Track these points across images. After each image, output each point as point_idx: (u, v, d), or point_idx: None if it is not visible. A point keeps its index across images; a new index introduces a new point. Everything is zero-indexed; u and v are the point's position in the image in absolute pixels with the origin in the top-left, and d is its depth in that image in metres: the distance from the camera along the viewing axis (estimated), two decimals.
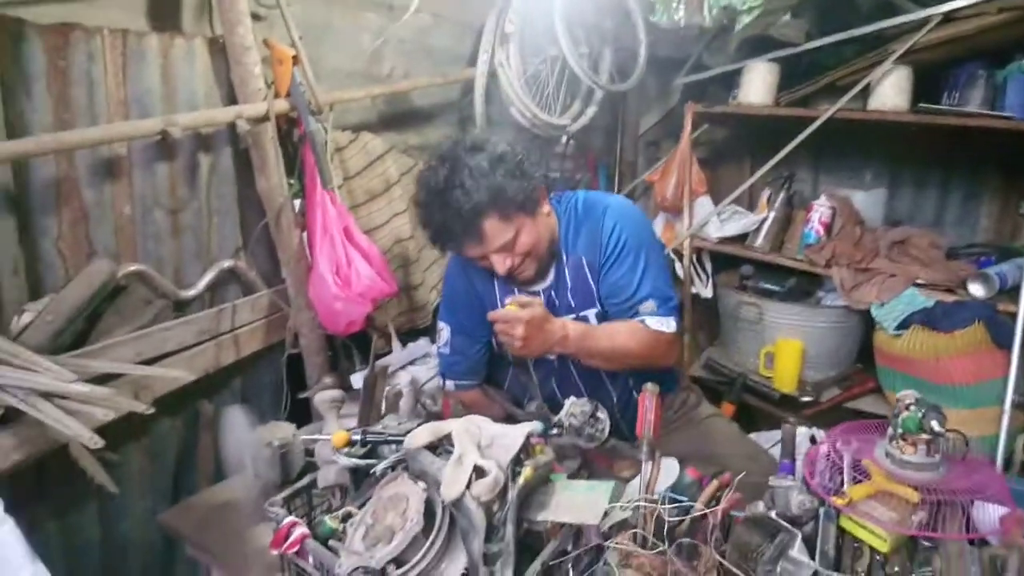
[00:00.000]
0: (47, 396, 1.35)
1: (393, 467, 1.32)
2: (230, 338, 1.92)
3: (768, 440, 2.40)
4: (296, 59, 1.81)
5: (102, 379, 1.54)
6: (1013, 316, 2.24)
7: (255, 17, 1.77)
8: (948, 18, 2.39)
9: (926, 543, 1.34)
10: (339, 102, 2.00)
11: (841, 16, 2.83)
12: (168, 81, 1.67)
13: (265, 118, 1.78)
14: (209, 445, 1.94)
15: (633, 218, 1.73)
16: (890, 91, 2.52)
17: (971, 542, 1.30)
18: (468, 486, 1.15)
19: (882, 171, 3.19)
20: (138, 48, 1.60)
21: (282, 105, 1.83)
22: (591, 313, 1.73)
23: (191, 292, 1.82)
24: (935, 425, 1.35)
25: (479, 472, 1.17)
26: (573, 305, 1.74)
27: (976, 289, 2.42)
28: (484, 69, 2.39)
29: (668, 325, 1.65)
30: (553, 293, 1.75)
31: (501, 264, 1.61)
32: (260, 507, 1.55)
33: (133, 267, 1.68)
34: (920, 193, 3.17)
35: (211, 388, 1.96)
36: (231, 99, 1.82)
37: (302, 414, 2.04)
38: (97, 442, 1.32)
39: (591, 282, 1.72)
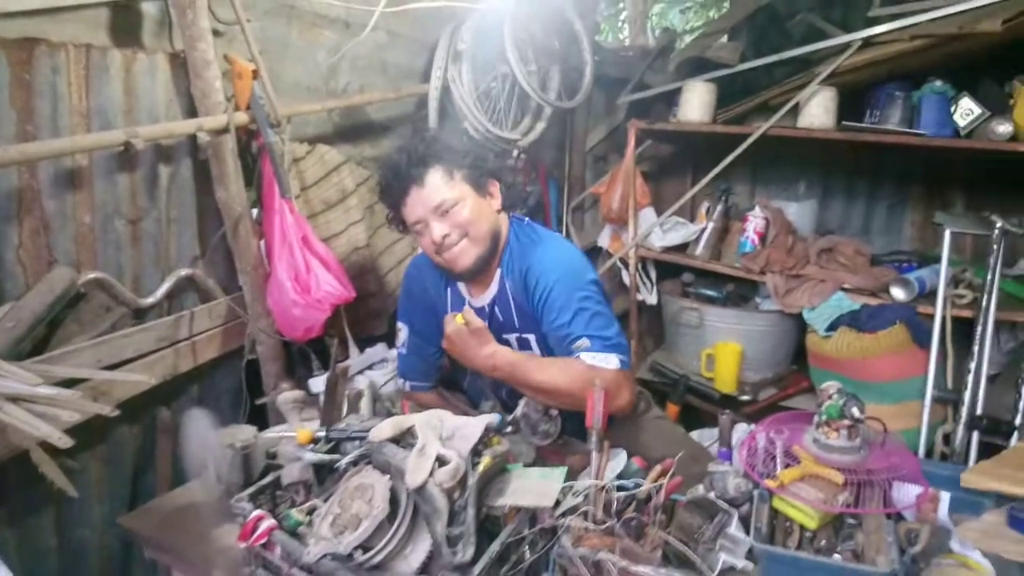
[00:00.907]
0: (13, 400, 1.37)
1: (357, 461, 1.39)
2: (188, 345, 1.94)
3: (710, 437, 2.53)
4: (256, 73, 1.87)
5: (63, 385, 1.56)
6: (931, 317, 2.43)
7: (215, 33, 1.82)
8: (868, 43, 2.59)
9: (850, 520, 1.47)
10: (297, 114, 2.07)
11: (773, 40, 3.04)
12: (130, 94, 1.71)
13: (225, 130, 1.83)
14: (167, 451, 1.96)
15: (558, 270, 1.70)
16: (817, 110, 2.71)
17: (888, 517, 1.43)
18: (431, 474, 1.23)
19: (814, 183, 3.40)
20: (102, 63, 1.64)
21: (242, 117, 1.88)
22: (532, 338, 1.80)
23: (150, 300, 1.84)
24: (855, 412, 1.49)
25: (441, 461, 1.25)
26: (517, 325, 1.80)
27: (897, 293, 2.61)
28: (438, 84, 2.48)
29: (607, 361, 1.60)
30: (497, 308, 1.81)
31: (438, 230, 1.66)
32: (222, 508, 1.60)
33: (93, 275, 1.70)
34: (849, 204, 3.39)
35: (169, 395, 1.97)
36: (191, 111, 1.86)
37: (259, 420, 2.07)
38: (67, 442, 1.34)
39: (514, 315, 1.79)
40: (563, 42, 2.92)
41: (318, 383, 1.99)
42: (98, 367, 1.68)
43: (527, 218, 1.89)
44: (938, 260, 2.48)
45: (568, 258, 1.76)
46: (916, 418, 2.42)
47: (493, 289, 1.81)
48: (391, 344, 2.23)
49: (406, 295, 1.96)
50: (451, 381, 2.09)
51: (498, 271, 1.80)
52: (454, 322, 1.66)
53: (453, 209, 1.66)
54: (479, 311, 1.81)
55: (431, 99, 2.50)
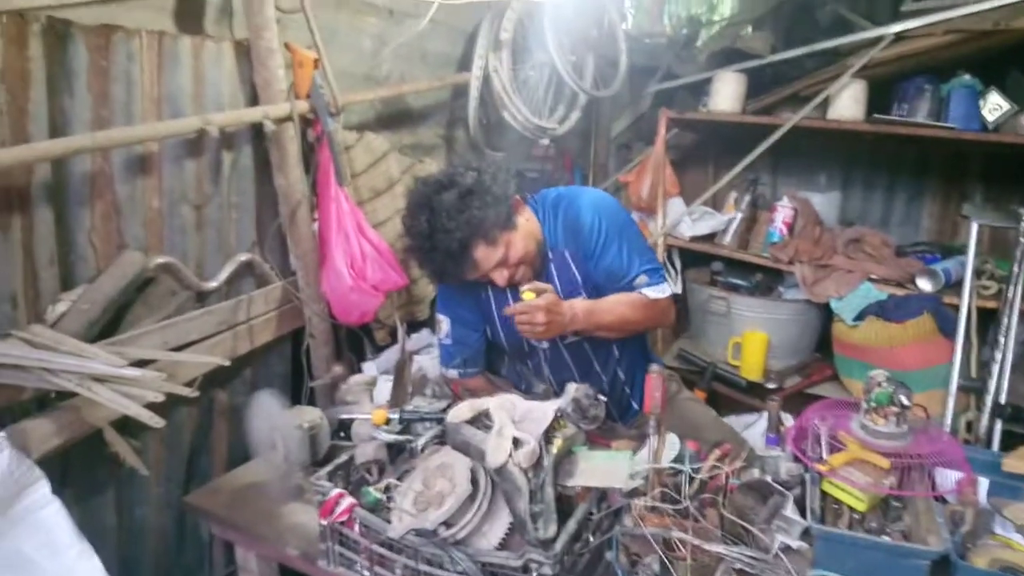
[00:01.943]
0: (99, 380, 1.42)
1: (429, 442, 1.44)
2: (245, 328, 1.99)
3: (738, 425, 2.59)
4: (317, 62, 1.90)
5: (133, 366, 1.61)
6: (957, 308, 2.48)
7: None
8: (900, 37, 2.63)
9: (896, 503, 1.54)
10: (353, 103, 2.10)
11: (803, 31, 3.07)
12: (199, 82, 1.75)
13: (288, 118, 1.87)
14: (224, 433, 2.01)
15: (608, 207, 1.85)
16: (847, 102, 2.75)
17: (938, 499, 1.49)
18: (510, 455, 1.28)
19: (835, 175, 3.45)
20: (173, 49, 1.67)
21: (303, 106, 1.92)
22: (578, 300, 1.84)
23: (212, 284, 1.89)
24: (904, 399, 1.54)
25: (517, 443, 1.31)
26: (563, 294, 1.84)
27: (924, 284, 2.67)
28: (479, 73, 2.51)
29: (663, 291, 1.83)
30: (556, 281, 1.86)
31: (501, 278, 1.74)
32: (289, 486, 1.66)
33: (161, 259, 1.74)
34: (868, 195, 3.44)
35: (225, 378, 2.02)
36: (252, 99, 1.90)
37: (308, 403, 2.13)
38: (158, 421, 1.39)
39: (576, 272, 1.84)
40: (598, 31, 2.94)
41: (372, 366, 2.05)
42: (164, 349, 1.72)
43: (542, 190, 1.95)
44: (958, 251, 2.54)
45: (607, 199, 1.91)
46: (941, 405, 2.48)
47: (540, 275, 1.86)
48: (434, 330, 2.27)
49: (444, 287, 1.98)
50: (489, 367, 2.14)
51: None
52: (529, 301, 1.67)
53: (507, 260, 1.73)
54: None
55: (472, 88, 2.53)
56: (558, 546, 1.22)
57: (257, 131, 1.90)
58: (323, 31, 2.13)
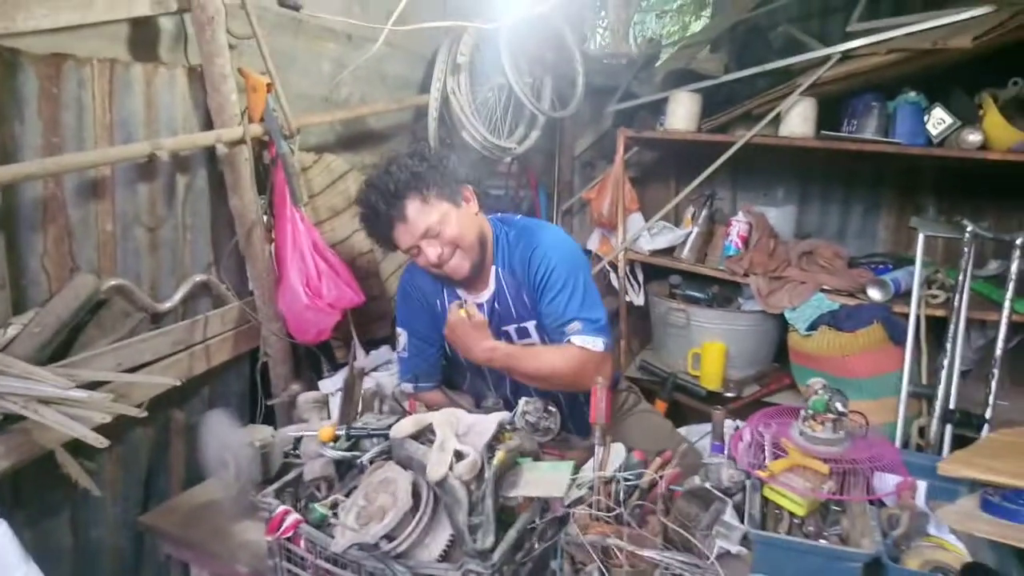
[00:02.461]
0: (46, 403, 1.43)
1: (377, 457, 1.47)
2: (202, 349, 2.01)
3: (698, 432, 2.63)
4: (270, 86, 1.94)
5: (86, 388, 1.62)
6: (906, 316, 2.56)
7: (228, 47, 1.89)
8: (846, 56, 2.72)
9: (835, 507, 1.59)
10: (308, 126, 2.15)
11: (755, 51, 3.16)
12: (151, 107, 1.78)
13: (241, 141, 1.90)
14: (181, 452, 2.02)
15: (563, 252, 1.87)
16: (797, 119, 2.83)
17: (871, 503, 1.54)
18: (451, 468, 1.31)
19: (792, 189, 3.54)
20: (125, 76, 1.70)
21: (256, 129, 1.95)
22: (531, 325, 1.92)
23: (167, 305, 1.90)
24: (839, 406, 1.60)
25: (459, 456, 1.34)
26: (515, 315, 1.92)
27: (874, 293, 2.74)
28: (437, 95, 2.57)
29: (594, 344, 1.79)
30: (497, 303, 1.92)
31: (432, 252, 1.79)
32: (242, 504, 1.67)
33: (114, 281, 1.76)
34: (826, 208, 3.53)
35: (182, 398, 2.03)
36: (207, 124, 1.93)
37: (267, 421, 2.14)
38: (103, 442, 1.41)
39: (526, 300, 1.90)
40: (555, 53, 3.01)
41: (328, 384, 2.07)
42: (118, 370, 1.74)
43: (511, 215, 2.02)
44: (911, 262, 2.62)
45: (568, 242, 1.95)
46: (893, 412, 2.55)
47: (491, 286, 1.92)
48: (394, 346, 2.31)
49: (403, 301, 2.04)
50: (450, 382, 2.18)
51: (493, 268, 1.91)
52: (458, 312, 1.79)
53: (440, 230, 1.78)
54: (480, 308, 1.91)
55: (431, 110, 2.58)
56: (496, 556, 1.25)
57: (211, 154, 1.94)
58: (281, 56, 2.18)
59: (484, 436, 1.41)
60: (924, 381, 2.58)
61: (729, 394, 3.03)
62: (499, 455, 1.39)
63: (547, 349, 1.86)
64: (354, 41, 2.38)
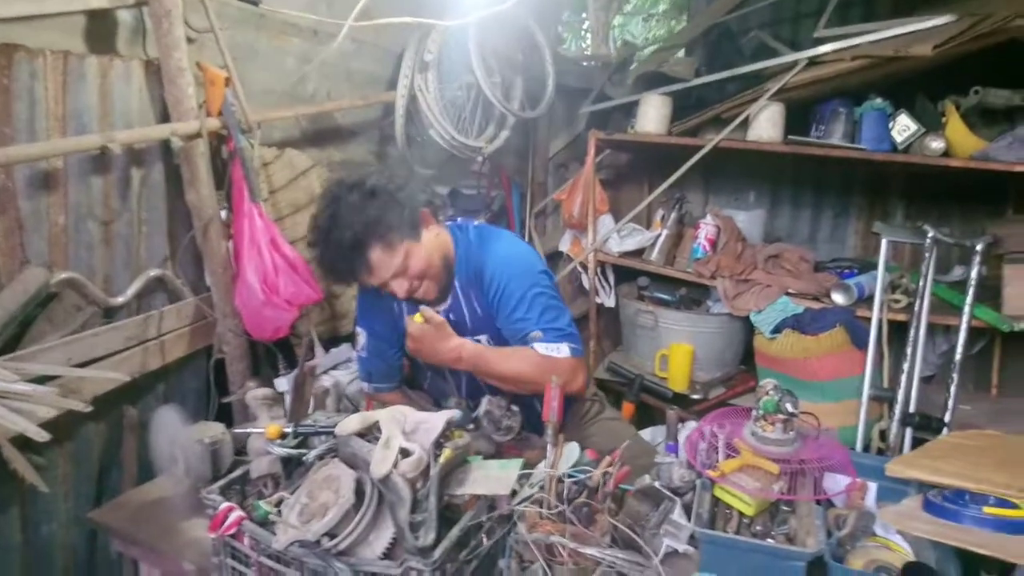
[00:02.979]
0: None
1: (324, 455, 1.46)
2: (156, 344, 1.99)
3: (661, 435, 2.66)
4: (228, 80, 1.93)
5: (35, 382, 1.60)
6: (869, 320, 2.58)
7: (188, 40, 1.88)
8: (813, 62, 2.74)
9: (785, 507, 1.60)
10: (267, 121, 2.13)
11: (726, 56, 3.18)
12: (106, 99, 1.76)
13: (197, 135, 1.89)
14: (134, 448, 2.00)
15: (514, 264, 1.83)
16: (766, 124, 2.85)
17: (819, 503, 1.55)
18: (395, 465, 1.31)
19: (764, 193, 3.57)
20: (79, 69, 1.69)
21: (213, 123, 1.94)
22: (483, 338, 1.90)
23: (120, 299, 1.89)
24: (789, 407, 1.61)
25: (404, 453, 1.34)
26: (470, 327, 1.90)
27: (838, 297, 2.76)
28: (404, 92, 2.56)
29: (558, 350, 1.77)
30: (452, 315, 1.90)
31: (400, 289, 1.76)
32: (191, 501, 1.66)
33: (65, 275, 1.74)
34: (797, 213, 3.57)
35: (136, 393, 2.01)
36: (164, 117, 1.92)
37: (224, 418, 2.12)
38: (44, 436, 1.39)
39: (479, 311, 1.89)
40: (526, 53, 3.02)
41: (284, 382, 2.06)
42: (69, 365, 1.72)
43: (468, 221, 2.00)
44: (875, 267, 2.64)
45: (519, 253, 1.89)
46: (855, 415, 2.57)
47: (448, 300, 1.90)
48: (354, 345, 2.30)
49: (363, 302, 2.03)
50: (412, 382, 2.17)
51: (454, 282, 1.89)
52: (415, 322, 1.74)
53: (406, 267, 1.74)
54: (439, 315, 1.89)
55: (398, 107, 2.57)
56: (437, 553, 1.25)
57: (168, 148, 1.92)
58: (243, 50, 2.17)
59: (431, 434, 1.41)
60: (886, 385, 2.60)
61: (696, 396, 3.05)
62: (445, 453, 1.39)
63: (515, 351, 1.81)
64: (319, 37, 2.37)
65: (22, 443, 1.62)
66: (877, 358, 2.59)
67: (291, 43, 2.34)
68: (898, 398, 2.46)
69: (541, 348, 1.77)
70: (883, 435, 2.57)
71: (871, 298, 2.63)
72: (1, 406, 1.40)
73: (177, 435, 1.66)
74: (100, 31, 1.79)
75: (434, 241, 1.82)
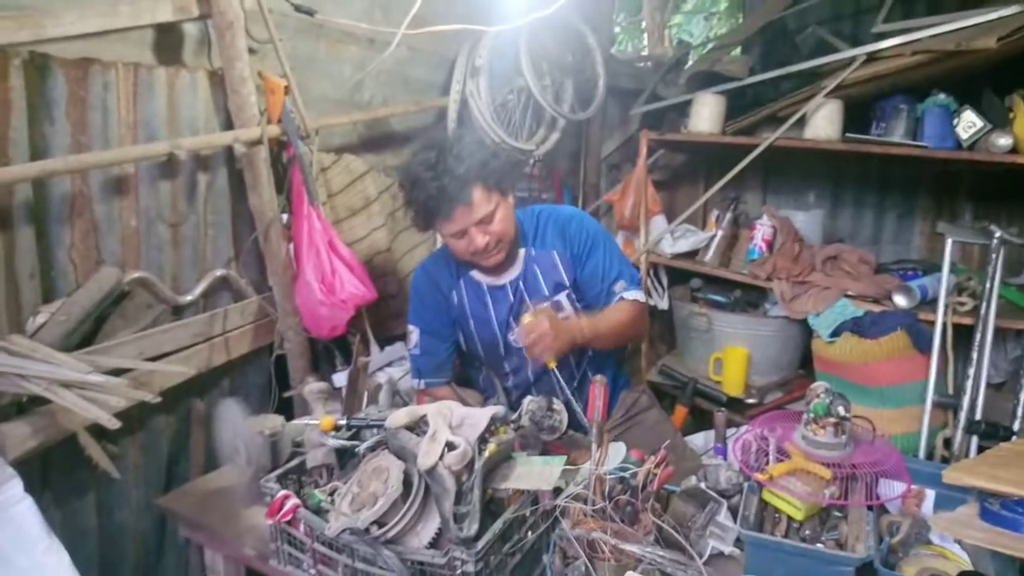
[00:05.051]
0: (66, 386, 1.52)
1: (375, 447, 1.52)
2: (221, 340, 2.09)
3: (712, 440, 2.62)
4: (287, 89, 2.01)
5: (109, 375, 1.70)
6: (932, 324, 2.50)
7: (249, 51, 1.97)
8: (872, 58, 2.67)
9: (837, 512, 1.57)
10: (325, 127, 2.21)
11: (782, 53, 3.13)
12: (173, 108, 1.87)
13: (259, 141, 1.98)
14: (200, 439, 2.10)
15: (588, 217, 2.06)
16: (823, 122, 2.80)
17: (870, 509, 1.52)
18: (441, 458, 1.35)
19: (824, 193, 3.49)
20: (148, 79, 1.79)
21: (274, 130, 2.03)
22: (563, 296, 1.98)
23: (187, 298, 1.99)
24: (841, 410, 1.58)
25: (450, 446, 1.38)
26: (545, 292, 1.97)
27: (900, 300, 2.68)
28: (456, 98, 2.62)
29: (641, 295, 1.98)
30: (522, 284, 1.97)
31: (479, 238, 1.81)
32: (252, 490, 1.73)
33: (137, 274, 1.85)
34: (859, 213, 3.47)
35: (203, 387, 2.12)
36: (227, 124, 2.02)
37: (286, 412, 2.21)
38: (116, 424, 1.49)
39: (563, 271, 1.96)
40: (577, 55, 3.04)
41: (341, 378, 2.13)
42: (140, 359, 1.82)
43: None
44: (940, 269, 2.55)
45: (585, 213, 2.11)
46: (917, 422, 2.49)
47: (517, 269, 1.97)
48: (407, 343, 2.35)
49: (416, 299, 2.07)
50: (465, 379, 2.21)
51: (521, 251, 1.97)
52: (530, 319, 1.78)
53: (492, 220, 1.81)
54: (501, 290, 1.96)
55: (450, 112, 2.63)
56: (480, 544, 1.28)
57: (231, 154, 2.02)
58: (302, 59, 2.26)
59: (477, 429, 1.44)
60: (950, 391, 2.51)
61: (751, 400, 3.01)
62: (490, 447, 1.42)
63: (612, 311, 1.93)
64: (376, 45, 2.45)
65: (97, 433, 1.73)
66: (941, 363, 2.50)
67: (348, 51, 2.42)
68: (963, 405, 2.37)
69: (628, 295, 1.95)
70: (947, 443, 2.48)
71: (935, 301, 2.55)
72: (77, 396, 1.50)
73: (239, 427, 1.74)
74: (168, 43, 1.90)
75: (513, 213, 1.91)
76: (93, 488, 1.91)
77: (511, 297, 1.97)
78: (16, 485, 1.46)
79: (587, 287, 1.97)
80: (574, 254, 1.96)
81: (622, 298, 1.94)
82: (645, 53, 5.57)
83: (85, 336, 1.76)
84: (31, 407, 1.64)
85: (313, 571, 1.48)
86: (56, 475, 1.80)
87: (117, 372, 1.69)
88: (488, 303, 1.98)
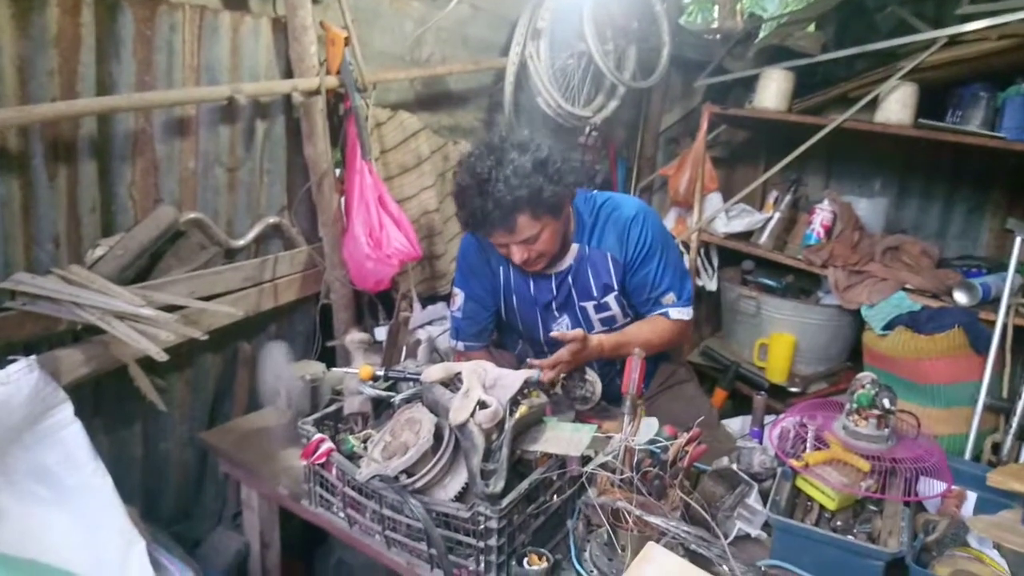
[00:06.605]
0: (120, 317, 1.58)
1: (410, 399, 1.54)
2: (270, 286, 2.13)
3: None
4: (347, 40, 2.02)
5: (162, 310, 1.76)
6: (993, 324, 2.40)
7: (313, 1, 1.97)
8: (953, 41, 2.54)
9: (872, 506, 1.54)
10: (382, 81, 2.21)
11: (857, 31, 2.99)
12: (235, 53, 1.89)
13: (317, 92, 2.00)
14: (245, 380, 2.16)
15: (654, 221, 1.93)
16: (895, 106, 2.68)
17: (907, 505, 1.48)
18: (472, 414, 1.36)
19: (891, 181, 3.35)
20: (213, 23, 1.82)
21: (332, 81, 2.04)
22: (611, 297, 1.93)
23: (240, 242, 2.04)
24: (886, 402, 1.54)
25: (482, 404, 1.38)
26: (594, 293, 1.93)
27: (960, 297, 2.58)
28: (515, 59, 2.58)
29: (686, 314, 1.92)
30: (570, 278, 1.92)
31: (519, 254, 1.79)
32: (290, 432, 1.79)
33: (193, 215, 1.90)
34: (926, 205, 3.32)
35: (250, 330, 2.17)
36: (287, 73, 2.03)
37: (328, 361, 2.26)
38: (163, 356, 1.54)
39: (613, 274, 1.91)
40: (643, 22, 2.96)
41: (382, 331, 2.16)
42: (191, 298, 1.88)
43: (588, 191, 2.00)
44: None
45: (655, 214, 1.99)
46: (966, 424, 2.42)
47: (568, 261, 1.92)
48: (449, 304, 2.37)
49: (464, 264, 2.06)
50: (499, 344, 2.22)
51: (574, 247, 1.91)
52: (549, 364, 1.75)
53: (536, 240, 1.77)
54: (546, 280, 1.93)
55: (508, 74, 2.60)
56: (504, 502, 1.29)
57: (290, 103, 2.04)
58: (366, 12, 2.26)
59: (509, 390, 1.45)
60: (1004, 395, 2.42)
61: (794, 389, 2.95)
62: (521, 409, 1.43)
63: (644, 329, 1.90)
64: (438, 1, 2.43)
65: (147, 366, 1.80)
66: (998, 365, 2.41)
67: (410, 6, 2.41)
68: (1017, 410, 2.29)
69: (674, 313, 1.90)
70: (996, 448, 2.40)
71: (997, 300, 2.44)
72: (130, 327, 1.55)
73: (282, 371, 1.79)
74: None
75: (565, 223, 1.86)
76: (140, 419, 1.99)
77: (554, 290, 1.93)
78: (67, 408, 1.53)
79: (634, 294, 1.93)
80: (628, 260, 1.89)
81: (666, 313, 1.89)
82: (715, 26, 5.41)
83: (140, 271, 1.83)
84: (85, 336, 1.72)
85: (342, 514, 1.52)
86: (106, 404, 1.88)
87: (169, 308, 1.75)
88: (530, 286, 1.96)
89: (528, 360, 1.80)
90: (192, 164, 1.89)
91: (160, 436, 2.06)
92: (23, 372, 1.42)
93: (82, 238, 1.74)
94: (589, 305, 1.94)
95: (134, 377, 1.79)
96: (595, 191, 2.00)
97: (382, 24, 2.35)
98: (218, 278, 1.98)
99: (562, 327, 1.94)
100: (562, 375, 1.80)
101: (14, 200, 1.58)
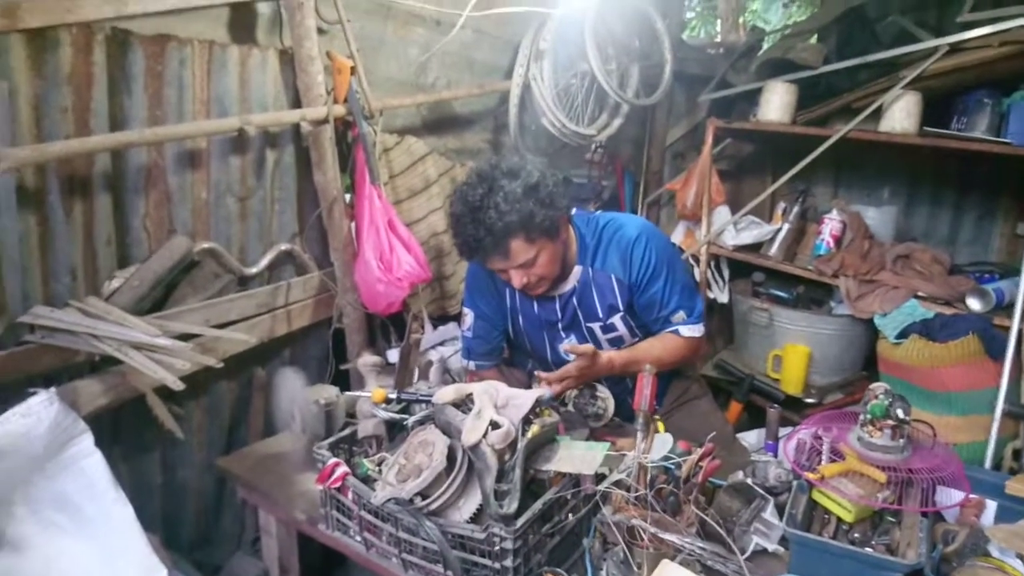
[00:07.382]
0: (137, 347, 1.60)
1: (423, 421, 1.55)
2: (284, 312, 2.16)
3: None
4: (353, 69, 2.06)
5: (177, 339, 1.79)
6: (1007, 330, 2.38)
7: (319, 31, 2.01)
8: (956, 48, 2.54)
9: (890, 517, 1.53)
10: (389, 108, 2.25)
11: (859, 42, 3.00)
12: (244, 85, 1.93)
13: (325, 120, 2.03)
14: (260, 406, 2.19)
15: (658, 241, 1.91)
16: (899, 115, 2.68)
17: (925, 516, 1.47)
18: (485, 435, 1.37)
19: (899, 189, 3.34)
20: (221, 57, 1.86)
21: (339, 109, 2.07)
22: (617, 318, 1.93)
23: (253, 269, 2.07)
24: (900, 412, 1.53)
25: (494, 425, 1.39)
26: (600, 314, 1.93)
27: (973, 303, 2.56)
28: (519, 81, 2.61)
29: (698, 331, 1.91)
30: (575, 300, 1.93)
31: (518, 279, 1.80)
32: (306, 457, 1.80)
33: (206, 244, 1.93)
34: (935, 212, 3.31)
35: (264, 356, 2.20)
36: (296, 103, 2.07)
37: (342, 384, 2.27)
38: (180, 385, 1.56)
39: (618, 295, 1.90)
40: (644, 40, 2.99)
41: (395, 353, 2.17)
42: (206, 326, 1.91)
43: (579, 208, 2.01)
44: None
45: (659, 232, 1.98)
46: (984, 431, 2.39)
47: (571, 283, 1.92)
48: (460, 324, 2.38)
49: (473, 284, 2.07)
50: (511, 362, 2.23)
51: (577, 268, 1.91)
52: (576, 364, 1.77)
53: (534, 264, 1.77)
54: (551, 302, 1.94)
55: (512, 96, 2.63)
56: (519, 522, 1.30)
57: (299, 131, 2.08)
58: (371, 40, 2.30)
59: (521, 410, 1.45)
60: (1022, 401, 2.39)
61: (809, 400, 2.93)
62: (533, 428, 1.44)
63: (655, 346, 1.90)
64: (442, 27, 2.47)
65: (164, 394, 1.82)
66: (1014, 371, 2.38)
67: (415, 33, 2.45)
68: None
69: (685, 331, 1.89)
70: (1016, 455, 2.37)
71: (1012, 306, 2.42)
72: (146, 357, 1.58)
73: (296, 395, 1.81)
74: (241, 22, 1.97)
75: (563, 244, 1.86)
76: (159, 447, 2.02)
77: (559, 312, 1.94)
78: (87, 439, 1.55)
79: (644, 314, 1.92)
80: (632, 282, 1.88)
81: (677, 331, 1.89)
82: (718, 40, 5.45)
83: (156, 302, 1.86)
84: (103, 366, 1.74)
85: (359, 538, 1.53)
86: (125, 433, 1.91)
87: (184, 337, 1.78)
88: (535, 308, 1.96)
89: (536, 373, 1.81)
90: (204, 195, 1.93)
91: (178, 463, 2.09)
92: (44, 404, 1.44)
93: (98, 270, 1.78)
94: (596, 326, 1.95)
95: (152, 406, 1.81)
96: (598, 212, 2.02)
97: (387, 51, 2.39)
98: (232, 306, 2.00)
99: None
100: (573, 392, 1.81)
101: (32, 235, 1.62)
